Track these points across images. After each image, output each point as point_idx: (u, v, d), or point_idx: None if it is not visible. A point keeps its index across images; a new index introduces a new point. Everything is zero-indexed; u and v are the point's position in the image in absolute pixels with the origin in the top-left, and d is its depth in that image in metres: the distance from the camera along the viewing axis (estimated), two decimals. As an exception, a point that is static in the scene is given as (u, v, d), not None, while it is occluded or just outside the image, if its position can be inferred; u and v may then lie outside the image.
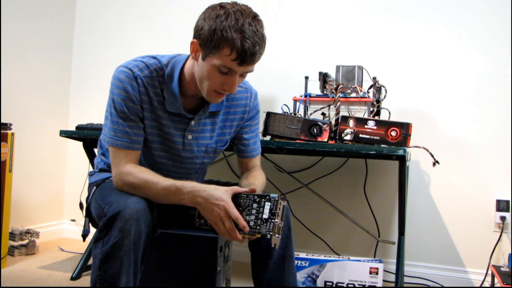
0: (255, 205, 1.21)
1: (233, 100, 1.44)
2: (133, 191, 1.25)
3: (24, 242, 2.45)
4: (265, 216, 1.18)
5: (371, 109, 1.98)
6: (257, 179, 1.41)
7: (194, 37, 1.24)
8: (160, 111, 1.33)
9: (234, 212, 1.17)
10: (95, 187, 1.41)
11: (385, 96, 2.01)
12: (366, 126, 1.82)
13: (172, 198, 1.25)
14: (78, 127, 2.14)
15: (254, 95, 1.50)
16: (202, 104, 1.38)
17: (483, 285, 2.15)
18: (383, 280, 2.06)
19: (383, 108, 2.06)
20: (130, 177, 1.26)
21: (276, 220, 1.17)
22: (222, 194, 1.19)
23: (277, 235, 1.16)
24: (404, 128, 1.76)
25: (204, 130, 1.41)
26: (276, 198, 1.20)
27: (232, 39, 1.15)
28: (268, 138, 1.95)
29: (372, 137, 1.80)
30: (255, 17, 1.20)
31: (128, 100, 1.29)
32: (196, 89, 1.32)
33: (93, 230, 1.46)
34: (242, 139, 1.50)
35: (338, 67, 2.07)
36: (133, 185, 1.26)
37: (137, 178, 1.26)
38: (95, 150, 2.16)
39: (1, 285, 1.94)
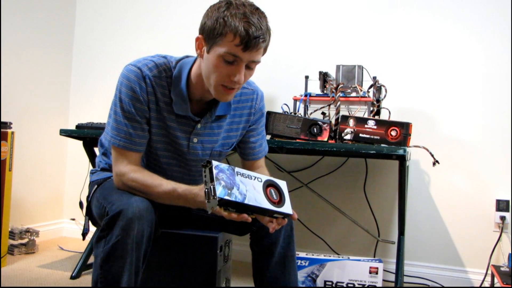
0: None
1: (238, 102, 1.41)
2: (133, 192, 1.25)
3: (24, 241, 2.45)
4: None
5: (371, 108, 1.98)
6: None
7: (199, 33, 1.24)
8: (166, 112, 1.32)
9: (216, 208, 1.12)
10: (96, 186, 1.40)
11: (385, 96, 2.01)
12: (366, 126, 1.82)
13: (176, 202, 1.24)
14: (78, 126, 2.14)
15: (260, 97, 1.47)
16: (208, 108, 1.36)
17: (482, 285, 2.15)
18: (383, 280, 2.06)
19: (383, 107, 2.06)
20: (131, 179, 1.26)
21: (204, 188, 1.10)
22: None
23: (207, 201, 1.08)
24: (404, 128, 1.76)
25: (210, 133, 1.39)
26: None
27: (235, 24, 1.15)
28: (268, 137, 1.94)
29: (372, 136, 1.80)
30: (258, 8, 1.21)
31: (136, 100, 1.27)
32: (202, 92, 1.30)
33: (92, 229, 1.46)
34: (249, 142, 1.48)
35: (338, 67, 2.07)
36: (134, 187, 1.25)
37: (137, 180, 1.25)
38: (95, 149, 2.16)
39: (1, 284, 1.94)
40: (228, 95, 1.26)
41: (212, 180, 1.08)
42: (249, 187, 1.14)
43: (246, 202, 1.10)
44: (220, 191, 1.06)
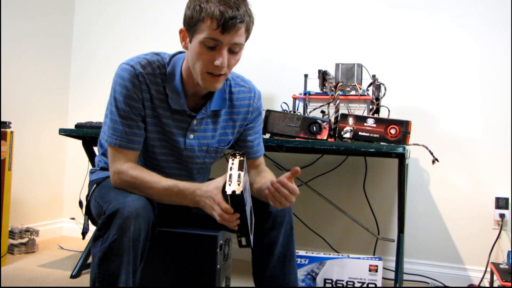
0: None
1: (236, 100, 1.42)
2: (131, 190, 1.25)
3: (23, 241, 2.45)
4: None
5: (371, 107, 1.99)
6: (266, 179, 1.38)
7: (183, 26, 1.25)
8: (161, 109, 1.32)
9: (217, 198, 1.14)
10: (95, 185, 1.40)
11: (384, 94, 2.01)
12: (365, 124, 1.82)
13: (175, 199, 1.24)
14: (77, 126, 2.14)
15: (258, 96, 1.47)
16: (203, 104, 1.36)
17: (482, 283, 2.15)
18: (383, 278, 2.06)
19: (383, 106, 2.06)
20: (130, 175, 1.26)
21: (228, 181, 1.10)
22: (210, 187, 1.18)
23: (228, 193, 1.08)
24: (404, 126, 1.76)
25: (206, 129, 1.39)
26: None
27: (210, 8, 1.15)
28: (267, 136, 1.95)
29: (371, 135, 1.80)
30: None
31: (130, 98, 1.27)
32: (195, 85, 1.31)
33: (92, 228, 1.46)
34: (246, 141, 1.48)
35: (337, 65, 2.07)
36: (132, 184, 1.25)
37: (136, 177, 1.25)
38: (95, 148, 2.16)
39: (1, 284, 1.94)
40: (216, 83, 1.25)
41: (241, 169, 1.10)
42: (247, 199, 1.16)
43: (246, 208, 1.11)
44: (242, 185, 1.08)
